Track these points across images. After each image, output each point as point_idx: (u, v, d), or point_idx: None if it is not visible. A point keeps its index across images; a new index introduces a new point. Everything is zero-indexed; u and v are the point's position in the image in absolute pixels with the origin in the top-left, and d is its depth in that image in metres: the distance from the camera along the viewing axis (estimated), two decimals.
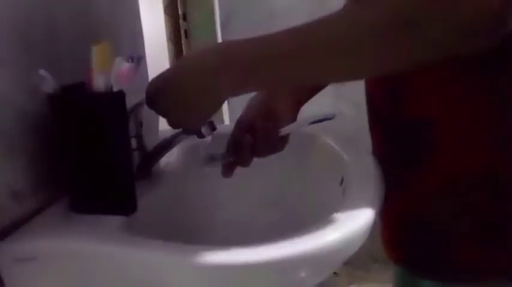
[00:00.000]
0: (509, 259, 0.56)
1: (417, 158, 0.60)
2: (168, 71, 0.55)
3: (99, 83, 0.55)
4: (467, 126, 0.55)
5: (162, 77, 0.56)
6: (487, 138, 0.55)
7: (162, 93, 0.55)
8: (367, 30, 0.45)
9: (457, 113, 0.56)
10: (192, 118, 0.56)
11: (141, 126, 0.68)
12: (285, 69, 0.49)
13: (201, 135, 0.62)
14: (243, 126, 0.66)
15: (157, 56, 1.37)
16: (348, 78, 0.56)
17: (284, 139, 0.67)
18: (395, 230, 0.67)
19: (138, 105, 0.66)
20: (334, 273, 1.67)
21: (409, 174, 0.61)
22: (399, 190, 0.61)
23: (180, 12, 1.55)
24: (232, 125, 0.67)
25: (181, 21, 1.56)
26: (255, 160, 0.65)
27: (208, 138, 0.62)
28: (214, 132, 0.61)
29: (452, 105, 0.56)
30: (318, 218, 0.51)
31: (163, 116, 0.58)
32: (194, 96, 0.53)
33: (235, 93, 0.52)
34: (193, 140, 0.68)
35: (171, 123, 0.58)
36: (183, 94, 0.53)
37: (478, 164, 0.56)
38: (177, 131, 0.70)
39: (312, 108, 0.71)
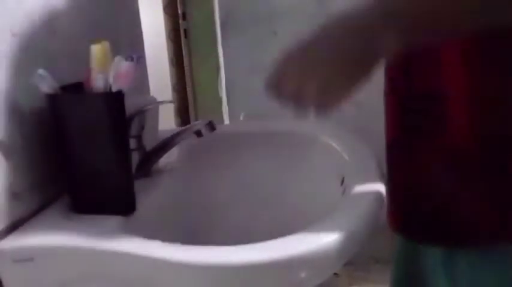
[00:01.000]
0: (504, 221, 0.55)
1: (423, 130, 0.59)
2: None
3: (98, 82, 0.55)
4: (471, 103, 0.54)
5: (301, 40, 0.46)
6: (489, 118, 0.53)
7: (303, 53, 0.46)
8: None
9: (462, 89, 0.55)
10: (340, 80, 0.46)
11: (143, 129, 0.68)
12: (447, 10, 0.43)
13: (200, 135, 0.61)
14: None
15: (157, 55, 1.37)
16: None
17: None
18: (400, 197, 0.65)
19: (143, 110, 0.66)
20: (335, 274, 1.67)
21: (415, 144, 0.60)
22: (406, 160, 0.61)
23: (179, 12, 1.55)
24: (232, 125, 0.67)
25: (180, 20, 1.55)
26: (255, 160, 0.65)
27: None
28: (214, 132, 0.61)
29: (460, 81, 0.55)
30: (319, 218, 0.51)
31: (297, 85, 0.46)
32: (349, 47, 0.44)
33: (399, 41, 0.44)
34: (193, 140, 0.68)
35: (309, 94, 0.46)
36: (334, 44, 0.45)
37: (477, 140, 0.55)
38: (176, 130, 0.70)
39: None
